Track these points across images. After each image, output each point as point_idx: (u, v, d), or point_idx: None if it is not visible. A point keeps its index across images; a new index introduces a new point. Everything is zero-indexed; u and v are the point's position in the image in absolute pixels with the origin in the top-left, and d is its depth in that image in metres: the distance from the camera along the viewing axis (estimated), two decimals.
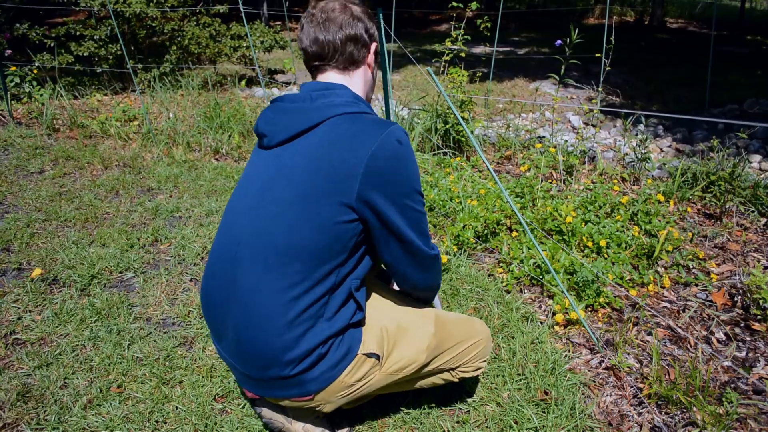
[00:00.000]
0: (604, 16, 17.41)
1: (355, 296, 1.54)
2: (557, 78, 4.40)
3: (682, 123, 6.73)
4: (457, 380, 1.83)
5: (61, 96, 6.00)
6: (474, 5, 4.73)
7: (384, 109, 4.89)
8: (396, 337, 1.65)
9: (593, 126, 6.37)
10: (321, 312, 1.47)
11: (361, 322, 1.61)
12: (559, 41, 4.63)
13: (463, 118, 4.69)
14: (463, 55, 4.77)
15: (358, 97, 1.61)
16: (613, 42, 4.53)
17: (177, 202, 3.66)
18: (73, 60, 7.63)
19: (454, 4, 4.94)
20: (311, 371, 1.51)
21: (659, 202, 3.48)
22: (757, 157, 5.38)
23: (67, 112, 5.59)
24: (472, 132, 4.74)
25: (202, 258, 2.96)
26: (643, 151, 4.45)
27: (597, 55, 4.86)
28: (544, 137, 5.35)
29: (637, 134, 6.01)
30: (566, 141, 5.05)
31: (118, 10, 7.29)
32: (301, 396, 1.55)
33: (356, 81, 1.68)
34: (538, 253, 2.78)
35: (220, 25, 7.89)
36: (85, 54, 7.50)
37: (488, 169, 2.37)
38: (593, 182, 4.08)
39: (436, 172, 3.87)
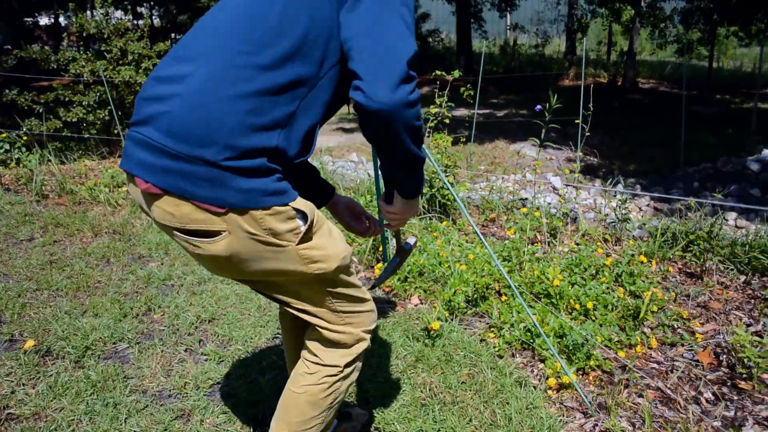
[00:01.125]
0: (579, 78, 18.05)
1: (315, 133, 1.46)
2: (537, 141, 4.57)
3: (659, 182, 6.94)
4: (333, 337, 1.66)
5: (50, 161, 6.05)
6: (456, 73, 4.92)
7: (373, 174, 4.99)
8: (322, 225, 1.53)
9: (574, 187, 6.55)
10: (285, 122, 1.37)
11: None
12: (539, 106, 4.82)
13: (448, 181, 4.81)
14: (447, 121, 4.94)
15: None
16: (591, 108, 4.73)
17: (169, 269, 3.69)
18: (61, 125, 7.73)
19: (438, 73, 5.14)
20: (242, 177, 1.32)
21: (642, 263, 3.58)
22: (732, 215, 5.56)
23: (56, 178, 5.64)
24: (457, 193, 4.86)
25: (197, 327, 2.98)
26: (623, 212, 4.59)
27: (576, 121, 5.05)
28: (526, 199, 5.49)
29: (616, 194, 6.19)
30: (549, 203, 5.18)
31: (108, 77, 7.44)
32: (212, 203, 1.33)
33: None
34: (529, 317, 2.85)
35: None
36: (73, 120, 7.61)
37: (477, 234, 2.46)
38: (577, 244, 4.18)
39: (424, 237, 3.95)
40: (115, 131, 7.75)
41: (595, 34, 20.24)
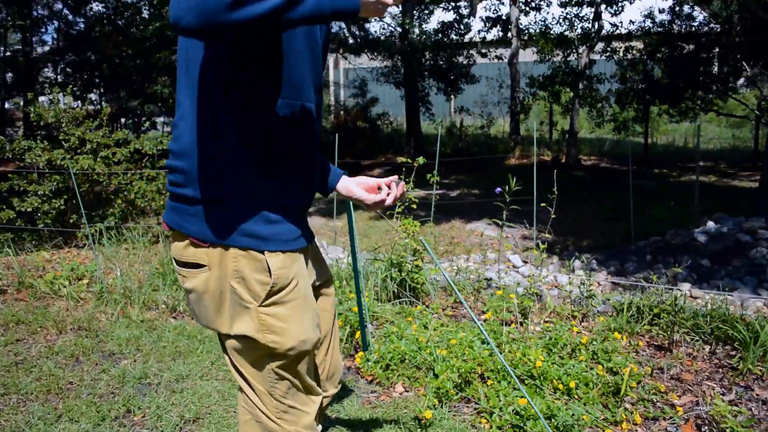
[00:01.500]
0: (524, 157, 18.79)
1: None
2: (498, 222, 4.73)
3: (614, 256, 7.20)
4: (266, 425, 1.56)
5: (8, 254, 5.87)
6: (421, 160, 5.09)
7: (352, 260, 5.02)
8: (298, 299, 1.51)
9: (534, 265, 6.72)
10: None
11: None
12: (498, 189, 5.02)
13: (416, 265, 4.90)
14: (414, 206, 5.07)
15: None
16: (555, 191, 4.95)
17: (143, 367, 3.58)
18: (14, 215, 7.54)
19: (402, 159, 5.30)
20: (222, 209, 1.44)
21: (615, 339, 3.69)
22: (686, 285, 5.80)
23: (14, 271, 5.46)
24: (426, 277, 4.93)
25: (181, 428, 2.88)
26: (588, 288, 4.75)
27: (543, 205, 5.26)
28: (491, 279, 5.61)
29: (573, 270, 6.38)
30: (518, 283, 5.31)
31: (66, 166, 7.37)
32: (196, 236, 1.45)
33: None
34: (516, 400, 2.88)
35: (165, 178, 8.06)
36: (28, 209, 7.44)
37: (474, 320, 2.51)
38: (547, 322, 4.28)
39: (400, 323, 3.98)
40: (71, 221, 7.61)
41: (537, 114, 21.26)
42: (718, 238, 6.86)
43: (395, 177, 1.85)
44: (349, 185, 1.86)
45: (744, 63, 14.50)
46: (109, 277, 5.25)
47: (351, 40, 20.90)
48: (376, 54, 19.16)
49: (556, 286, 5.85)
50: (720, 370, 3.60)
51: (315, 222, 9.93)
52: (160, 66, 13.13)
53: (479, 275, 5.45)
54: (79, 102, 16.44)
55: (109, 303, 4.73)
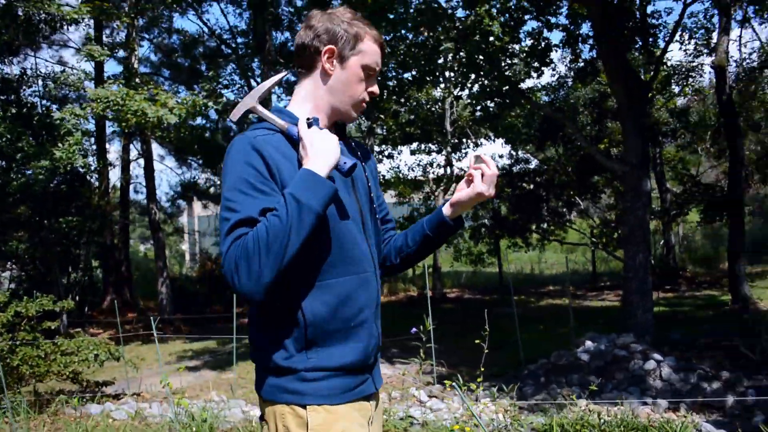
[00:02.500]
0: (390, 293, 19.48)
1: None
2: (417, 360, 4.98)
3: (512, 380, 7.63)
4: None
5: None
6: None
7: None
8: None
9: (438, 398, 6.94)
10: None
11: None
12: (414, 329, 5.31)
13: None
14: None
15: (279, 109, 1.76)
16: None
17: None
18: None
19: None
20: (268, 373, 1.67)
21: None
22: (582, 401, 6.30)
23: None
24: None
25: None
26: (512, 416, 5.05)
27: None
28: (412, 416, 5.72)
29: (478, 399, 6.68)
30: (444, 420, 5.48)
31: None
32: (259, 392, 1.69)
33: (305, 87, 1.78)
34: None
35: (49, 345, 7.46)
36: None
37: None
38: None
39: None
40: None
41: None
42: (598, 355, 7.57)
43: (471, 156, 1.85)
44: (453, 201, 1.87)
45: (577, 198, 16.60)
46: None
47: (212, 189, 21.13)
48: None
49: (476, 417, 6.07)
50: None
51: (206, 375, 9.49)
52: (22, 221, 12.41)
53: (405, 414, 5.56)
54: None
55: None
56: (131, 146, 18.46)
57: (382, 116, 17.70)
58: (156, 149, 20.16)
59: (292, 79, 20.81)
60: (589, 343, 7.91)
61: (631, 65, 10.11)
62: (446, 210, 1.87)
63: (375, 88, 1.81)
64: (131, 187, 19.63)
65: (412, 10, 10.27)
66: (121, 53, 14.35)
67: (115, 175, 19.24)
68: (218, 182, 20.65)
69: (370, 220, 1.84)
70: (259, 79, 18.23)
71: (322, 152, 1.61)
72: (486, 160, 1.81)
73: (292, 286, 1.63)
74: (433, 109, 19.64)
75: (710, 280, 16.63)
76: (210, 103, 12.18)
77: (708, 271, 17.97)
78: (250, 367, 9.78)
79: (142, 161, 17.29)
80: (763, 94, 14.01)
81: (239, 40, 18.94)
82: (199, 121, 15.05)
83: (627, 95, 8.62)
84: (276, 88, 1.72)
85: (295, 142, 1.69)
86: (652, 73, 10.70)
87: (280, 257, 1.49)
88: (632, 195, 8.41)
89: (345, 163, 1.68)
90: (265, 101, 1.78)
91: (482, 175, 1.79)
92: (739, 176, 11.94)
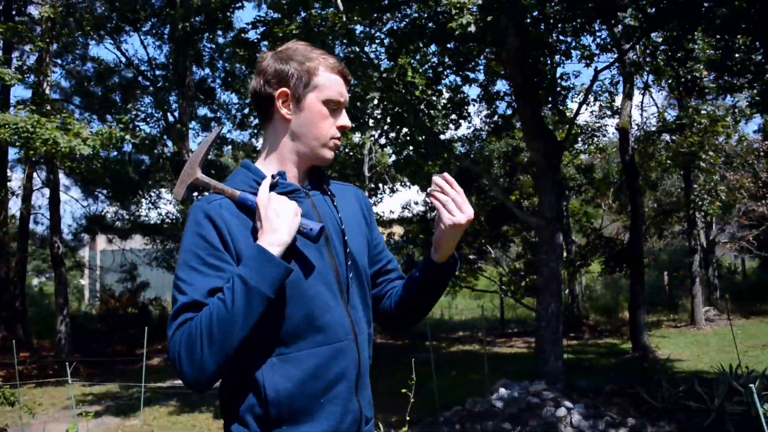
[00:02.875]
0: None
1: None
2: None
3: (428, 428, 7.66)
4: None
5: None
6: None
7: None
8: None
9: None
10: None
11: None
12: None
13: None
14: None
15: (246, 165, 1.66)
16: None
17: None
18: None
19: None
20: None
21: None
22: None
23: None
24: None
25: None
26: None
27: None
28: None
29: None
30: None
31: None
32: None
33: (268, 138, 1.67)
34: None
35: None
36: None
37: None
38: None
39: None
40: None
41: None
42: (511, 402, 7.76)
43: (435, 179, 1.61)
44: (434, 244, 1.68)
45: (488, 246, 17.14)
46: None
47: (118, 223, 20.27)
48: (150, 237, 18.79)
49: None
50: None
51: (109, 421, 8.93)
52: None
53: None
54: None
55: None
56: (35, 174, 17.49)
57: None
58: (62, 179, 19.24)
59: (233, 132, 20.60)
60: (502, 390, 8.10)
61: (546, 124, 10.70)
62: (434, 254, 1.68)
63: (345, 121, 1.67)
64: (32, 217, 18.52)
65: (341, 57, 10.48)
66: (31, 77, 13.71)
67: (15, 205, 18.10)
68: (126, 215, 19.89)
69: (354, 280, 1.67)
70: (176, 114, 17.88)
71: (276, 225, 1.47)
72: (443, 182, 1.60)
73: (249, 360, 1.50)
74: (351, 153, 19.88)
75: (611, 329, 17.48)
76: (127, 137, 11.80)
77: (608, 319, 18.88)
78: (157, 413, 9.32)
79: (46, 191, 16.43)
80: (660, 155, 15.14)
81: (158, 72, 18.57)
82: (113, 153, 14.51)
83: (544, 153, 9.10)
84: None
85: (250, 210, 1.55)
86: (564, 132, 11.37)
87: (225, 346, 1.40)
88: (547, 248, 8.79)
89: (311, 229, 1.54)
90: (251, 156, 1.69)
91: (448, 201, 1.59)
92: (640, 232, 12.76)
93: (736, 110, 14.08)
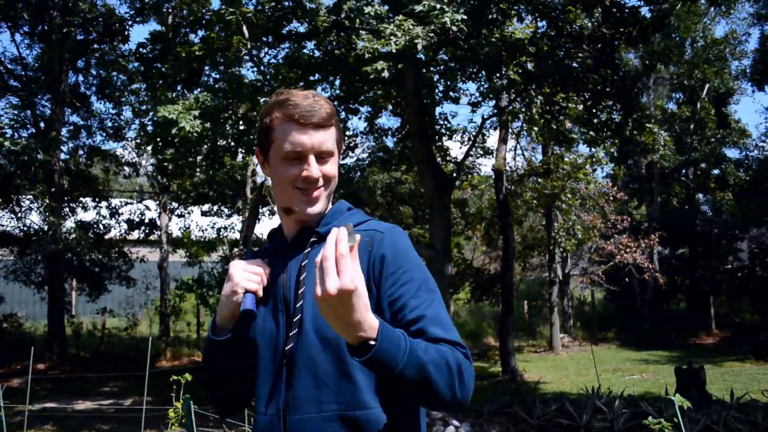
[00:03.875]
0: (175, 358, 18.59)
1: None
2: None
3: None
4: None
5: None
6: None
7: None
8: None
9: None
10: None
11: None
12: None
13: None
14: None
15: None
16: None
17: None
18: None
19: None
20: None
21: None
22: None
23: None
24: None
25: None
26: None
27: None
28: None
29: None
30: None
31: None
32: None
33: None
34: None
35: None
36: None
37: None
38: None
39: None
40: None
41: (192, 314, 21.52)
42: None
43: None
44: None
45: None
46: None
47: None
48: (8, 248, 17.48)
49: None
50: None
51: None
52: None
53: None
54: None
55: None
56: None
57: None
58: None
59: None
60: (450, 428, 8.54)
61: (438, 162, 11.51)
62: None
63: (308, 171, 1.49)
64: None
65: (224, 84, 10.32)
66: None
67: None
68: None
69: (304, 353, 1.47)
70: (48, 120, 16.90)
71: (221, 300, 1.59)
72: (331, 241, 1.26)
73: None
74: (232, 174, 19.75)
75: (478, 353, 18.66)
76: None
77: (474, 344, 20.12)
78: None
79: None
80: (526, 195, 16.63)
81: (28, 73, 17.48)
82: None
83: (435, 188, 9.85)
84: None
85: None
86: (448, 168, 12.29)
87: (207, 376, 1.64)
88: (437, 277, 9.45)
89: (242, 311, 1.49)
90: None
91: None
92: (511, 263, 13.92)
93: (593, 159, 15.89)
